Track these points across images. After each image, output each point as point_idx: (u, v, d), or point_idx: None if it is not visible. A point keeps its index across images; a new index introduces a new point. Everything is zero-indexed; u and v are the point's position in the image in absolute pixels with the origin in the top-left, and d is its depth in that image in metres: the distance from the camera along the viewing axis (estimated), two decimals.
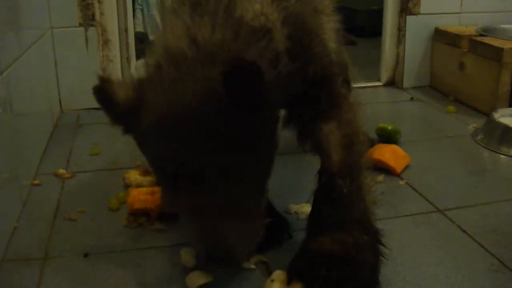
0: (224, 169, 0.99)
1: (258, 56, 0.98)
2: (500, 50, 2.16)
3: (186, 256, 1.23)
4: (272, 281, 1.10)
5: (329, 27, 1.24)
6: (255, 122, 0.99)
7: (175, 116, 0.97)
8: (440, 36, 2.58)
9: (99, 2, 2.28)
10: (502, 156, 1.87)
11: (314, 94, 1.17)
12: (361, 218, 1.14)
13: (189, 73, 0.98)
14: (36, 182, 1.65)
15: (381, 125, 1.94)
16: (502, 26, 2.53)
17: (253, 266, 1.23)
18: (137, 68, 1.30)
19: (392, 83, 2.71)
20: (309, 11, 1.16)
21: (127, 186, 1.59)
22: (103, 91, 1.06)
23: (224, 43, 0.99)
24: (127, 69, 2.43)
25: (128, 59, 2.43)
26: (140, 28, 2.48)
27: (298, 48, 1.09)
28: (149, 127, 1.01)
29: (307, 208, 1.39)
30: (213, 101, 0.94)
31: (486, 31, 2.41)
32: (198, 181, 0.99)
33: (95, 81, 2.29)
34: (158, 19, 1.15)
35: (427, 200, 1.54)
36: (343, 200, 1.13)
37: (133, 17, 2.45)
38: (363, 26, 3.72)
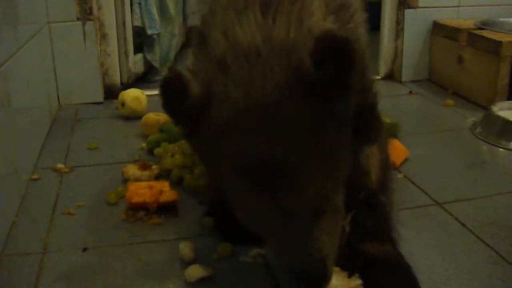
0: (318, 162, 0.92)
1: None
2: (498, 44, 2.16)
3: (185, 249, 1.23)
4: None
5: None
6: (344, 108, 0.94)
7: (257, 110, 0.90)
8: (439, 30, 2.58)
9: None
10: (501, 149, 1.87)
11: (362, 119, 1.09)
12: (393, 229, 1.22)
13: (265, 68, 0.92)
14: (35, 176, 1.64)
15: None
16: (501, 19, 2.53)
17: (251, 260, 1.23)
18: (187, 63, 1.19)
19: (390, 76, 2.70)
20: (361, 31, 1.17)
21: (126, 180, 1.59)
22: (175, 84, 0.95)
23: (300, 44, 0.94)
24: (125, 63, 2.43)
25: (126, 53, 2.42)
26: (138, 22, 2.47)
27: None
28: (225, 124, 0.93)
29: None
30: (297, 90, 0.89)
31: (484, 25, 2.41)
32: (295, 179, 0.91)
33: (93, 76, 2.30)
34: (207, 14, 1.10)
35: (425, 193, 1.54)
36: (383, 215, 1.22)
37: (131, 11, 2.45)
38: None
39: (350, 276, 1.07)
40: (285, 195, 0.92)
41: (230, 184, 0.99)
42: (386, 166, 1.26)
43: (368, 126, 1.16)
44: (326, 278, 0.98)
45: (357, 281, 1.06)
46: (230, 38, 0.99)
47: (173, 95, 0.95)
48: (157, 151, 1.70)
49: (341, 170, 0.99)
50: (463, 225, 1.38)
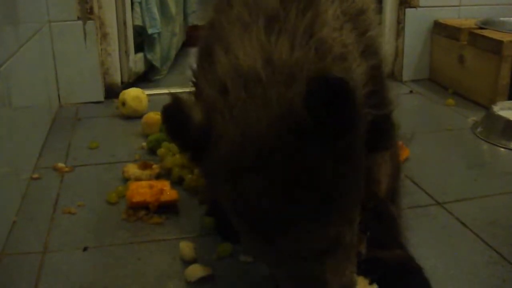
0: (322, 206, 0.85)
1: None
2: (499, 43, 2.16)
3: (185, 249, 1.23)
4: None
5: None
6: (351, 143, 0.86)
7: (252, 153, 0.84)
8: (440, 29, 2.58)
9: None
10: (502, 149, 1.87)
11: (376, 128, 1.04)
12: (402, 235, 1.21)
13: (264, 98, 0.86)
14: (35, 176, 1.64)
15: None
16: (502, 19, 2.53)
17: (251, 259, 1.23)
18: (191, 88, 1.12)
19: (391, 76, 2.70)
20: (379, 39, 1.11)
21: (126, 179, 1.59)
22: (177, 112, 0.89)
23: (304, 63, 0.88)
24: (125, 63, 2.42)
25: (126, 52, 2.42)
26: (138, 22, 2.46)
27: (374, 91, 1.01)
28: (220, 162, 0.88)
29: None
30: (294, 129, 0.81)
31: (485, 24, 2.41)
32: (295, 229, 0.85)
33: (93, 75, 2.29)
34: (214, 22, 1.05)
35: (426, 193, 1.54)
36: (392, 223, 1.20)
37: (132, 11, 2.45)
38: None
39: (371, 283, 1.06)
40: (285, 245, 0.86)
41: (231, 218, 0.94)
42: (397, 174, 1.24)
43: (382, 135, 1.12)
44: None
45: (373, 287, 1.05)
46: (232, 58, 0.93)
47: (175, 123, 0.90)
48: (160, 151, 1.70)
49: (351, 206, 0.93)
50: (464, 224, 1.38)
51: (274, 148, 0.82)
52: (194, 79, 1.08)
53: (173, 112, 0.89)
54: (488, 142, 1.91)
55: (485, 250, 1.28)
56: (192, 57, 3.05)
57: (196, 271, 1.16)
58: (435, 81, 2.63)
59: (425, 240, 1.30)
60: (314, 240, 0.87)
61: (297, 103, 0.81)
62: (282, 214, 0.84)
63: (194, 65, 1.13)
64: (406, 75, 2.66)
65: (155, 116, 1.93)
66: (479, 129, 1.99)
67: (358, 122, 0.85)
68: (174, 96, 0.90)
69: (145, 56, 2.62)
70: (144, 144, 1.84)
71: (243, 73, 0.90)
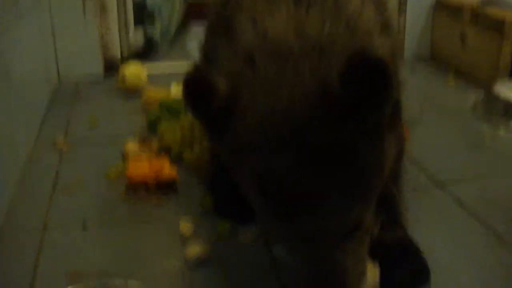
0: (351, 185, 0.84)
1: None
2: (501, 22, 2.14)
3: (185, 228, 1.24)
4: None
5: None
6: (379, 123, 0.85)
7: (281, 124, 0.81)
8: (442, 7, 2.55)
9: None
10: (502, 129, 1.87)
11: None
12: (403, 217, 1.21)
13: (296, 70, 0.83)
14: (34, 152, 1.64)
15: None
16: None
17: (250, 240, 1.23)
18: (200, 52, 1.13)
19: None
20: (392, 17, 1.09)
21: (125, 156, 1.59)
22: (201, 81, 0.85)
23: (337, 37, 0.86)
24: (125, 37, 2.41)
25: (126, 27, 2.40)
26: None
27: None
28: (247, 135, 0.85)
29: None
30: (328, 103, 0.80)
31: (488, 3, 2.38)
32: (319, 203, 0.83)
33: (93, 49, 2.28)
34: (239, 1, 0.99)
35: (425, 173, 1.54)
36: (394, 205, 1.19)
37: None
38: None
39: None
40: (311, 224, 0.84)
41: (251, 196, 0.91)
42: (400, 157, 1.21)
43: (389, 118, 1.12)
44: None
45: (375, 268, 1.06)
46: (260, 29, 0.89)
47: (198, 94, 0.85)
48: (160, 128, 1.69)
49: (375, 188, 0.91)
50: (463, 205, 1.38)
51: (307, 121, 0.80)
52: (204, 54, 1.05)
53: (195, 81, 0.85)
54: (489, 123, 1.91)
55: (484, 231, 1.28)
56: (194, 32, 3.03)
57: (194, 250, 1.17)
58: (436, 60, 2.61)
59: (424, 221, 1.31)
60: (341, 220, 0.85)
61: (331, 78, 0.79)
62: (312, 191, 0.82)
63: (203, 40, 1.11)
64: (407, 53, 2.64)
65: (154, 93, 1.92)
66: (479, 109, 1.99)
67: (390, 102, 0.83)
68: (196, 66, 0.87)
69: (145, 31, 2.60)
70: (143, 121, 1.84)
71: (273, 44, 0.86)
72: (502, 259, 1.19)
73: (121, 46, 2.41)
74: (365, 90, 0.77)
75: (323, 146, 0.81)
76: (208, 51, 1.10)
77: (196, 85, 0.85)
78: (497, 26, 2.16)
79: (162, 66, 2.43)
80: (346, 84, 0.77)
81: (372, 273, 1.05)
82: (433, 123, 1.90)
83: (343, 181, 0.82)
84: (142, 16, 2.58)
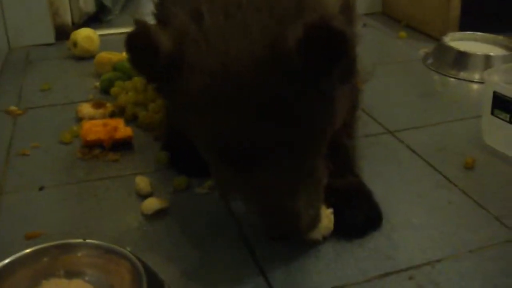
0: (298, 139, 0.86)
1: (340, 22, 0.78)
2: None
3: (141, 184, 1.24)
4: None
5: None
6: (329, 85, 0.85)
7: (229, 81, 0.82)
8: None
9: None
10: (451, 79, 1.91)
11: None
12: (355, 165, 1.23)
13: (246, 26, 0.83)
14: None
15: None
16: None
17: (206, 191, 1.25)
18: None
19: None
20: None
21: (80, 119, 1.58)
22: (143, 39, 0.84)
23: None
24: (75, 3, 2.37)
25: None
26: None
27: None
28: (195, 93, 0.85)
29: None
30: (280, 64, 0.80)
31: None
32: (263, 160, 0.85)
33: (43, 16, 2.22)
34: None
35: (377, 122, 1.57)
36: (347, 155, 1.22)
37: None
38: None
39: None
40: (258, 176, 0.86)
41: (201, 150, 0.94)
42: (354, 107, 1.24)
43: (343, 72, 1.13)
44: (296, 233, 1.01)
45: (328, 210, 1.08)
46: None
47: (141, 51, 0.84)
48: (113, 90, 1.69)
49: (325, 140, 0.93)
50: (413, 151, 1.42)
51: (254, 77, 0.81)
52: (156, 11, 1.04)
53: (139, 39, 0.84)
54: (439, 73, 1.95)
55: (434, 174, 1.33)
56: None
57: (152, 204, 1.18)
58: (387, 14, 2.64)
59: (376, 167, 1.34)
60: (288, 172, 0.88)
61: (285, 39, 0.79)
62: (259, 146, 0.84)
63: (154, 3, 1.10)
64: (359, 8, 2.61)
65: (107, 56, 1.90)
66: (430, 60, 2.03)
67: (349, 73, 0.86)
68: (140, 23, 0.85)
69: None
70: (97, 84, 1.82)
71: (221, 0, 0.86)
72: (450, 199, 1.23)
73: (71, 12, 2.37)
74: (323, 62, 0.79)
75: (270, 102, 0.82)
76: (158, 12, 1.09)
77: (139, 41, 0.84)
78: None
79: (114, 32, 2.40)
80: (303, 52, 0.78)
81: (327, 217, 1.08)
82: (384, 74, 1.93)
83: (290, 136, 0.85)
84: None
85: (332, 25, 0.76)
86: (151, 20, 1.02)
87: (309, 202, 0.96)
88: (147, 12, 1.14)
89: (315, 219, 1.01)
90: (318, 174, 0.97)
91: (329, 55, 0.78)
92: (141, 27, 0.84)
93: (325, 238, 1.09)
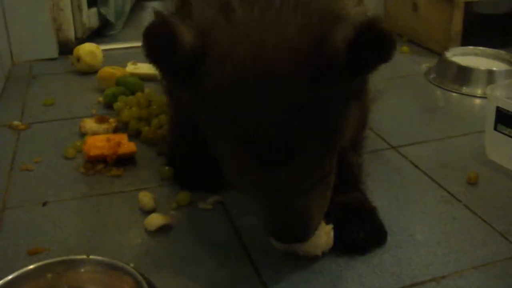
0: (320, 142, 0.86)
1: None
2: None
3: (144, 199, 1.24)
4: None
5: None
6: (361, 84, 0.90)
7: (266, 75, 0.81)
8: None
9: None
10: (454, 94, 1.91)
11: None
12: (361, 182, 1.23)
13: (279, 23, 0.82)
14: None
15: None
16: None
17: (210, 207, 1.25)
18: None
19: None
20: None
21: (83, 134, 1.58)
22: (163, 31, 0.80)
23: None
24: (78, 18, 2.38)
25: (79, 7, 2.36)
26: None
27: None
28: (226, 82, 0.83)
29: None
30: (321, 65, 0.80)
31: None
32: (293, 156, 0.84)
33: (46, 31, 2.23)
34: None
35: (380, 137, 1.57)
36: (352, 173, 1.21)
37: None
38: None
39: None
40: (283, 175, 0.86)
41: (222, 147, 0.91)
42: (363, 125, 1.23)
43: (357, 88, 1.11)
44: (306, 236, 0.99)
45: (328, 226, 1.08)
46: None
47: (161, 44, 0.80)
48: (117, 105, 1.69)
49: (338, 146, 0.93)
50: (417, 167, 1.42)
51: (292, 75, 0.81)
52: (175, 11, 1.03)
53: (159, 29, 0.80)
54: (441, 88, 1.95)
55: (437, 190, 1.32)
56: (149, 11, 3.01)
57: (155, 220, 1.17)
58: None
59: (379, 182, 1.34)
60: (310, 170, 0.88)
61: (331, 41, 0.80)
62: (287, 144, 0.83)
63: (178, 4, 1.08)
64: None
65: (110, 71, 1.91)
66: (432, 75, 2.03)
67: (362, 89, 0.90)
68: (159, 14, 0.82)
69: (99, 11, 2.57)
70: (100, 98, 1.83)
71: None
72: (454, 215, 1.23)
73: (75, 27, 2.38)
74: (369, 62, 0.81)
75: (304, 102, 0.82)
76: (179, 11, 1.06)
77: (159, 35, 0.80)
78: None
79: (117, 47, 2.41)
80: (352, 52, 0.78)
81: (327, 234, 1.08)
82: (387, 89, 1.93)
83: (318, 133, 0.85)
84: None
85: (382, 28, 0.78)
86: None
87: (319, 206, 0.97)
88: None
89: (320, 222, 1.02)
90: (330, 179, 0.98)
91: (376, 56, 0.80)
92: (161, 18, 0.81)
93: (324, 254, 1.09)
